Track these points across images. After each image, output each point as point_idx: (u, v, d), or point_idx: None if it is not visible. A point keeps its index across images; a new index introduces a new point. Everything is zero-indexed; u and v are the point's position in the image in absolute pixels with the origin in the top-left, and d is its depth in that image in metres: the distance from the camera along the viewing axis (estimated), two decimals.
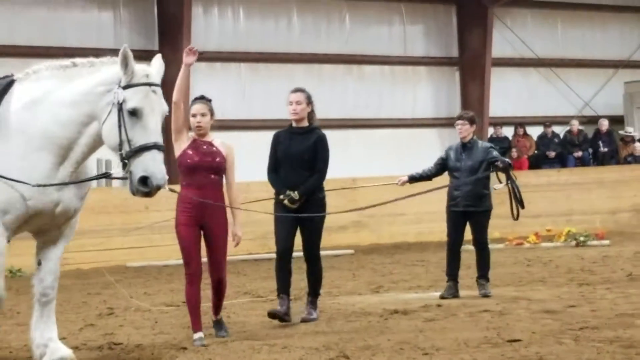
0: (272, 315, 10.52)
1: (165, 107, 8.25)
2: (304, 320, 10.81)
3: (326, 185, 11.36)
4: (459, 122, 13.31)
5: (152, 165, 7.92)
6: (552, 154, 27.98)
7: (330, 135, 11.63)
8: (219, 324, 10.27)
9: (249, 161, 15.45)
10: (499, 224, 13.31)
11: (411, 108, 28.99)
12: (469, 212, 12.96)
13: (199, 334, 9.69)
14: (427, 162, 13.77)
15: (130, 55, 8.07)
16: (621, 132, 28.14)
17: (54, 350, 8.36)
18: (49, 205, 8.13)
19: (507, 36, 30.67)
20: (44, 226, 8.39)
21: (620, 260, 16.71)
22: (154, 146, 7.96)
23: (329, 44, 28.13)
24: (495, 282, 14.23)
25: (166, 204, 12.86)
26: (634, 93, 31.73)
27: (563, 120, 30.16)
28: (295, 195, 10.58)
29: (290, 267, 10.87)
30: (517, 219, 13.00)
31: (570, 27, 32.11)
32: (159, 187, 7.96)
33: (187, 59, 9.68)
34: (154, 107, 8.08)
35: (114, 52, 8.21)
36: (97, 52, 8.93)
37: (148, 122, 8.03)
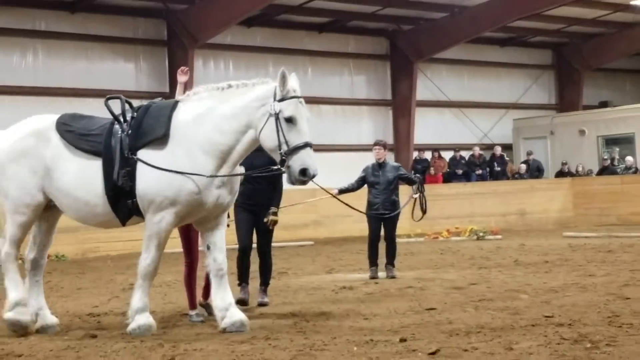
0: (240, 301, 9.58)
1: (309, 114, 8.11)
2: (260, 304, 10.08)
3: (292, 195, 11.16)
4: (376, 147, 13.28)
5: (308, 159, 7.82)
6: (459, 171, 28.08)
7: None
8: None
9: None
10: (420, 224, 13.31)
11: (357, 137, 28.98)
12: (384, 216, 12.91)
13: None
14: None
15: (287, 75, 7.98)
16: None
17: (232, 314, 8.10)
18: (211, 199, 7.97)
19: (427, 84, 30.81)
20: (204, 217, 8.19)
21: (509, 250, 16.78)
22: (307, 145, 7.85)
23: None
24: (417, 266, 14.28)
25: None
26: (520, 127, 32.09)
27: (468, 147, 30.26)
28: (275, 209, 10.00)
29: (249, 261, 10.25)
30: (418, 220, 12.68)
31: (474, 78, 32.30)
32: (314, 176, 7.90)
33: (180, 77, 9.40)
34: (303, 115, 7.96)
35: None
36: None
37: (300, 127, 7.90)
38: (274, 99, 7.93)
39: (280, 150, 7.85)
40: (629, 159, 27.70)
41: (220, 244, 8.32)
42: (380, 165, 13.09)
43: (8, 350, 7.46)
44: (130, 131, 8.04)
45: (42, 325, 8.41)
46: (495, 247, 17.82)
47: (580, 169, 28.70)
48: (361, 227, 22.00)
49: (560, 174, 29.05)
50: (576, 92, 33.16)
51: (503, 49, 32.92)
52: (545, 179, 28.87)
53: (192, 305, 9.18)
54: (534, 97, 33.86)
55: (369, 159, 13.17)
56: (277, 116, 7.87)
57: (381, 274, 12.78)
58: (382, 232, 13.03)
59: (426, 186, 13.78)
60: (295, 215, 22.17)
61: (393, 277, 12.56)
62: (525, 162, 29.38)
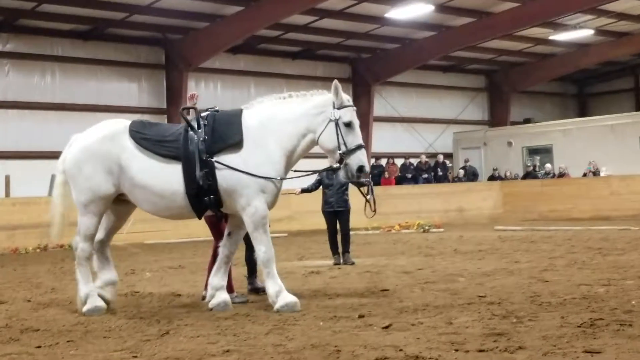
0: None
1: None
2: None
3: None
4: None
5: (363, 158, 7.83)
6: (409, 175, 28.12)
7: None
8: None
9: None
10: (376, 218, 13.27)
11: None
12: (338, 211, 12.86)
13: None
14: None
15: (340, 86, 7.98)
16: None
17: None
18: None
19: (382, 103, 30.90)
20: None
21: (450, 241, 16.80)
22: (362, 146, 7.87)
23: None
24: (374, 254, 14.23)
25: None
26: (459, 139, 32.26)
27: (416, 155, 30.35)
28: None
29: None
30: (370, 217, 12.06)
31: (421, 98, 32.46)
32: (368, 174, 8.05)
33: (189, 102, 9.09)
34: (357, 120, 7.98)
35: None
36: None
37: (356, 131, 7.90)
38: (333, 107, 7.91)
39: (340, 150, 7.81)
40: (548, 166, 28.03)
41: (239, 236, 8.25)
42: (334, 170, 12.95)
43: (27, 325, 7.34)
44: (206, 137, 7.85)
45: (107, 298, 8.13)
46: (439, 238, 17.83)
47: (508, 173, 28.90)
48: None
49: (492, 178, 29.20)
50: (505, 110, 33.38)
51: (445, 74, 33.09)
52: (480, 182, 28.99)
53: (230, 289, 8.63)
54: (470, 114, 34.07)
55: (328, 164, 13.17)
56: (337, 122, 7.85)
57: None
58: (338, 226, 13.01)
59: (382, 187, 13.71)
60: (272, 211, 22.09)
61: (352, 264, 12.51)
62: (463, 168, 29.48)
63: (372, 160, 29.04)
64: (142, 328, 7.02)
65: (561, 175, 26.96)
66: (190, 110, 8.31)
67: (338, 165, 7.93)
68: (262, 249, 7.82)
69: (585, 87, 37.65)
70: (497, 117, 33.72)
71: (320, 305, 8.02)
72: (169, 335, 6.66)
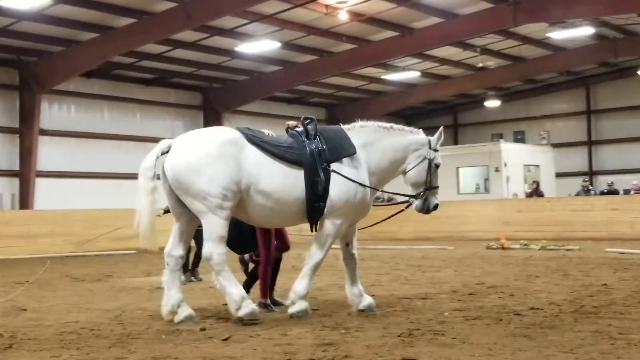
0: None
1: None
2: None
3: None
4: None
5: (438, 198, 8.21)
6: None
7: None
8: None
9: None
10: None
11: None
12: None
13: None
14: None
15: (443, 132, 8.31)
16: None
17: (364, 299, 8.06)
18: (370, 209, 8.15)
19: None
20: (354, 220, 8.11)
21: (289, 259, 16.75)
22: (438, 187, 8.21)
23: (127, 128, 27.47)
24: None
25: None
26: None
27: None
28: None
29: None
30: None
31: (269, 126, 32.60)
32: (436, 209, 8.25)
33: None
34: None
35: None
36: None
37: (438, 173, 8.21)
38: (429, 147, 8.13)
39: (425, 185, 8.08)
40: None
41: (355, 243, 8.25)
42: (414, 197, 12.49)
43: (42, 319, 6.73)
44: (323, 147, 7.72)
45: (185, 316, 7.43)
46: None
47: None
48: None
49: None
50: None
51: (290, 105, 33.43)
52: None
53: (264, 295, 8.28)
54: None
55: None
56: (430, 161, 8.08)
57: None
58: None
59: None
60: (122, 229, 21.38)
61: (200, 280, 12.31)
62: None
63: None
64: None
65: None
66: (312, 122, 8.01)
67: (421, 195, 8.14)
68: (321, 255, 7.86)
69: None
70: None
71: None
72: (12, 349, 6.28)
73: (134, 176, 7.73)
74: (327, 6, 21.49)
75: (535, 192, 26.33)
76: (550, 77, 33.39)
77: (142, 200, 7.46)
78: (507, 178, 28.06)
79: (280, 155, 7.60)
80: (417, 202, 8.20)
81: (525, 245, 18.03)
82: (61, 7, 19.82)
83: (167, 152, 7.53)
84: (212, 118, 29.38)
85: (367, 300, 8.06)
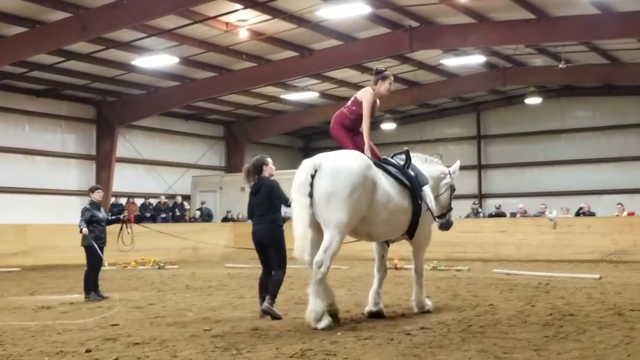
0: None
1: None
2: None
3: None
4: (99, 191, 12.38)
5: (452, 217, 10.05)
6: (148, 215, 27.64)
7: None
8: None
9: None
10: (112, 255, 12.58)
11: (64, 183, 27.86)
12: (103, 247, 11.94)
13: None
14: None
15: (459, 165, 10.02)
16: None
17: (379, 306, 9.20)
18: None
19: (126, 145, 30.21)
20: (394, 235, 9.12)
21: (183, 277, 16.69)
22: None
23: (15, 141, 26.44)
24: (109, 289, 13.65)
25: None
26: (197, 182, 32.43)
27: (156, 196, 30.05)
28: None
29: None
30: (126, 251, 12.32)
31: (164, 142, 32.26)
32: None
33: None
34: None
35: None
36: None
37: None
38: (451, 176, 9.78)
39: (448, 208, 9.79)
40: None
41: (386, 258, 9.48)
42: (98, 205, 12.28)
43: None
44: (416, 175, 9.03)
45: (325, 324, 8.07)
46: (172, 275, 17.65)
47: (240, 216, 29.38)
48: (64, 256, 21.00)
49: (225, 219, 29.61)
50: (240, 158, 33.96)
51: (187, 122, 33.16)
52: (215, 223, 29.25)
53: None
54: (209, 160, 34.37)
55: (75, 201, 12.51)
56: (452, 187, 9.77)
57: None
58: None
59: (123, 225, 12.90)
60: (6, 245, 20.51)
61: (104, 298, 11.85)
62: (199, 209, 29.64)
63: (113, 199, 28.22)
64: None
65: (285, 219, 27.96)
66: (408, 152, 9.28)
67: (446, 215, 9.85)
68: (423, 263, 9.55)
69: (310, 142, 39.63)
70: (232, 164, 34.28)
71: (48, 341, 7.51)
72: None
73: (22, 190, 7.37)
74: (227, 24, 21.41)
75: None
76: (443, 102, 34.46)
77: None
78: None
79: (400, 180, 8.78)
80: (441, 221, 9.73)
81: None
82: None
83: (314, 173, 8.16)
84: (105, 132, 28.76)
85: (380, 305, 9.14)
